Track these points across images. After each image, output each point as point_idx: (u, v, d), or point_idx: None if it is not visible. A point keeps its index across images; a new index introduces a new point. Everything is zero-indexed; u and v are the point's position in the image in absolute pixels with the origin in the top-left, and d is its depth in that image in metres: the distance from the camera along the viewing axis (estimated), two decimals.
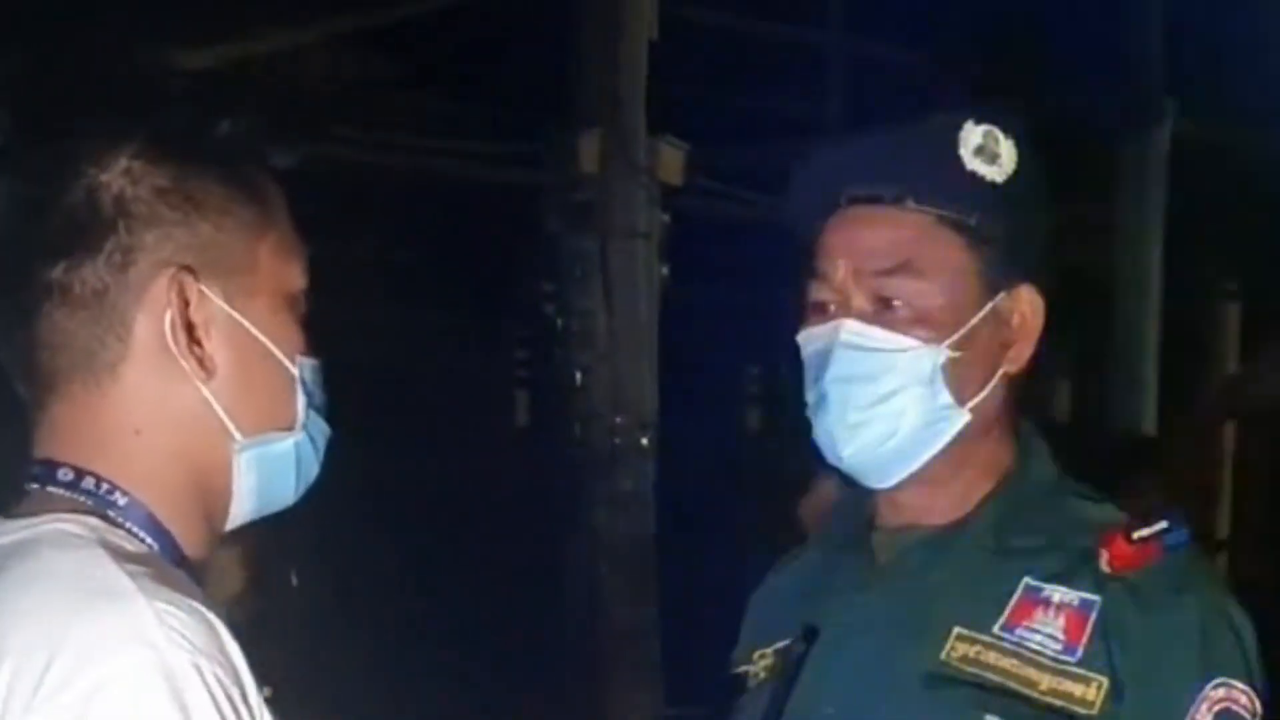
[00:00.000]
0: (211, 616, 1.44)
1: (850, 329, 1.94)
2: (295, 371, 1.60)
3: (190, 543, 1.57)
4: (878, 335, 1.94)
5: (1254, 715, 1.88)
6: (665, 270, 6.67)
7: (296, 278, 1.61)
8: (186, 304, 1.53)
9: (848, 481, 2.23)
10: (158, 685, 1.37)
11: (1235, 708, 1.87)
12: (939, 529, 2.03)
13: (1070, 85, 7.56)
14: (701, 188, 6.95)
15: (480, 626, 7.13)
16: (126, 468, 1.54)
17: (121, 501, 1.53)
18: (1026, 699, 1.88)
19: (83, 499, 1.53)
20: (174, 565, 1.52)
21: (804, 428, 2.05)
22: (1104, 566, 1.92)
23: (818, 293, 1.99)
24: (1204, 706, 1.86)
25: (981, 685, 1.89)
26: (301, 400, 1.61)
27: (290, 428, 1.61)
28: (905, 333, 1.94)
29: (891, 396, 1.95)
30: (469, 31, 7.11)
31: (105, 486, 1.53)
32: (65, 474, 1.54)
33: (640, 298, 6.54)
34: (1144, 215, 8.10)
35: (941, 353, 1.95)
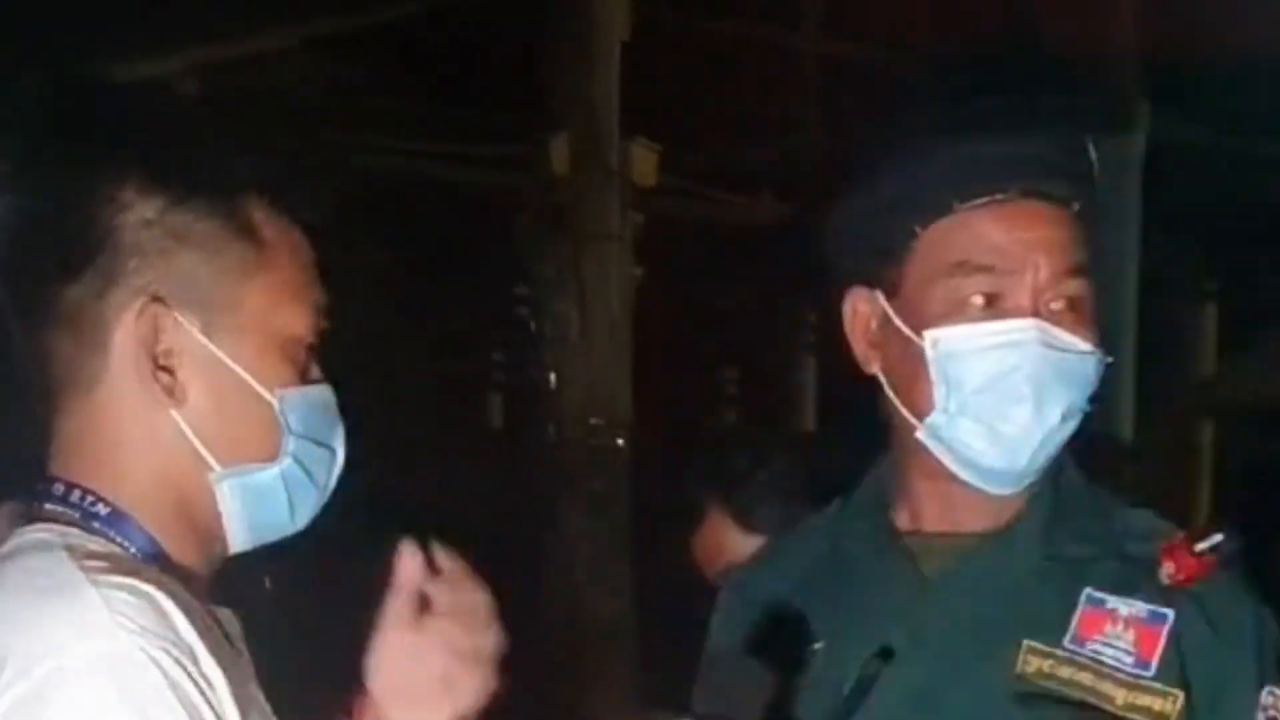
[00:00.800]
0: (160, 596, 1.47)
1: (1050, 331, 1.89)
2: (275, 404, 1.61)
3: (181, 552, 1.61)
4: (1071, 340, 1.90)
5: None
6: (639, 271, 6.66)
7: (294, 322, 1.63)
8: (158, 332, 1.57)
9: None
10: (107, 673, 1.41)
11: (1276, 714, 1.90)
12: (984, 536, 1.99)
13: (1045, 88, 7.56)
14: (675, 189, 6.94)
15: None
16: (111, 480, 1.59)
17: (103, 512, 1.57)
18: (1108, 714, 1.87)
19: (69, 511, 1.58)
20: (158, 568, 1.55)
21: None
22: (1165, 578, 1.91)
23: (974, 286, 1.91)
24: (1260, 716, 1.88)
25: (1064, 700, 1.88)
26: (284, 432, 1.62)
27: (273, 458, 1.63)
28: (1083, 336, 1.91)
29: (1079, 401, 1.92)
30: (442, 35, 7.11)
31: (89, 499, 1.58)
32: (57, 488, 1.59)
33: (613, 299, 6.53)
34: (1120, 218, 8.08)
35: (1105, 358, 1.93)
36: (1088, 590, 1.92)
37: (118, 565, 1.51)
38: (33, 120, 1.63)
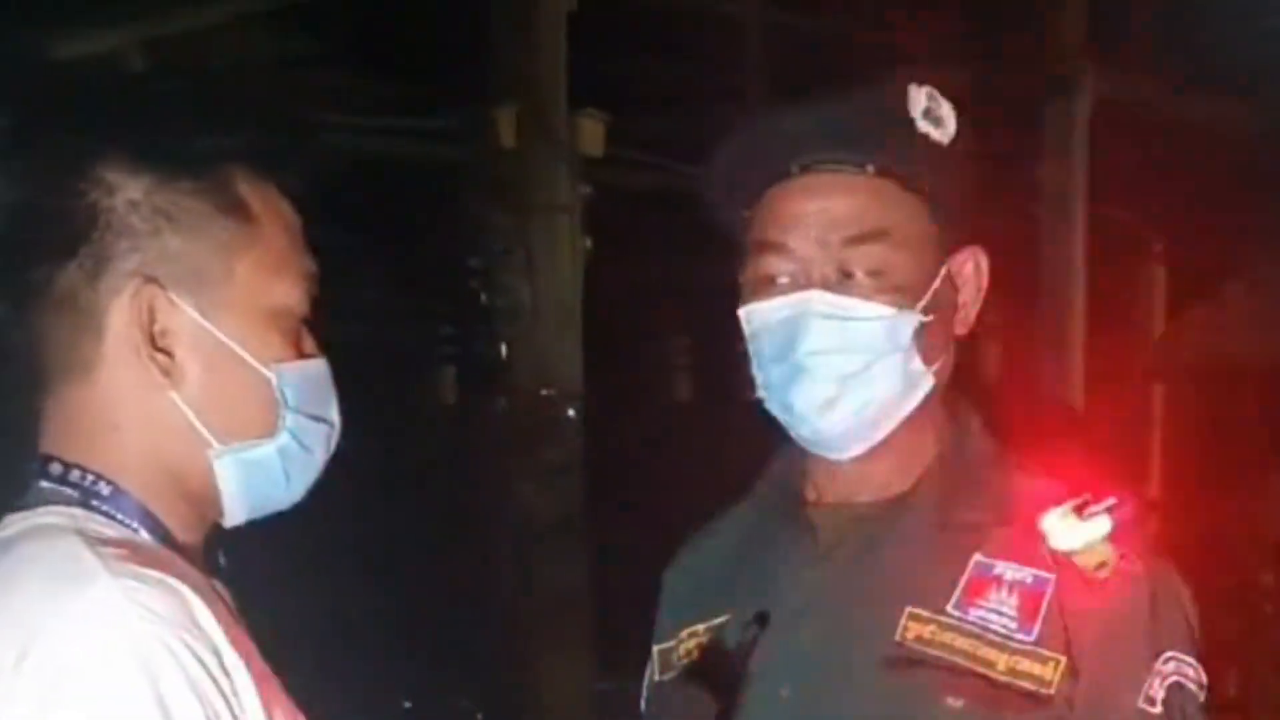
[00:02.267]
0: (182, 588, 1.48)
1: (825, 300, 1.92)
2: (272, 378, 1.63)
3: (182, 529, 1.62)
4: (852, 304, 1.92)
5: (1200, 686, 1.90)
6: (588, 243, 6.64)
7: (284, 294, 1.64)
8: (153, 313, 1.58)
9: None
10: (127, 662, 1.41)
11: (1184, 681, 1.90)
12: (881, 504, 2.02)
13: (989, 49, 7.56)
14: (623, 159, 6.92)
15: (409, 600, 7.11)
16: (111, 460, 1.59)
17: (106, 491, 1.58)
18: (986, 679, 1.88)
19: (70, 491, 1.58)
20: (163, 546, 1.57)
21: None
22: (1052, 544, 1.92)
23: (770, 265, 1.97)
24: (1156, 681, 1.88)
25: (940, 666, 1.89)
26: (281, 406, 1.64)
27: (270, 433, 1.64)
28: (874, 300, 1.92)
29: (870, 365, 1.93)
30: (383, 6, 7.06)
31: (90, 478, 1.58)
32: (55, 468, 1.60)
33: (564, 271, 6.52)
34: (1067, 178, 8.10)
35: (915, 318, 1.94)
36: (977, 556, 1.94)
37: (133, 552, 1.51)
38: (12, 104, 1.64)
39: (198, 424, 1.60)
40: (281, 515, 1.71)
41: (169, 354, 1.59)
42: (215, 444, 1.61)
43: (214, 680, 1.46)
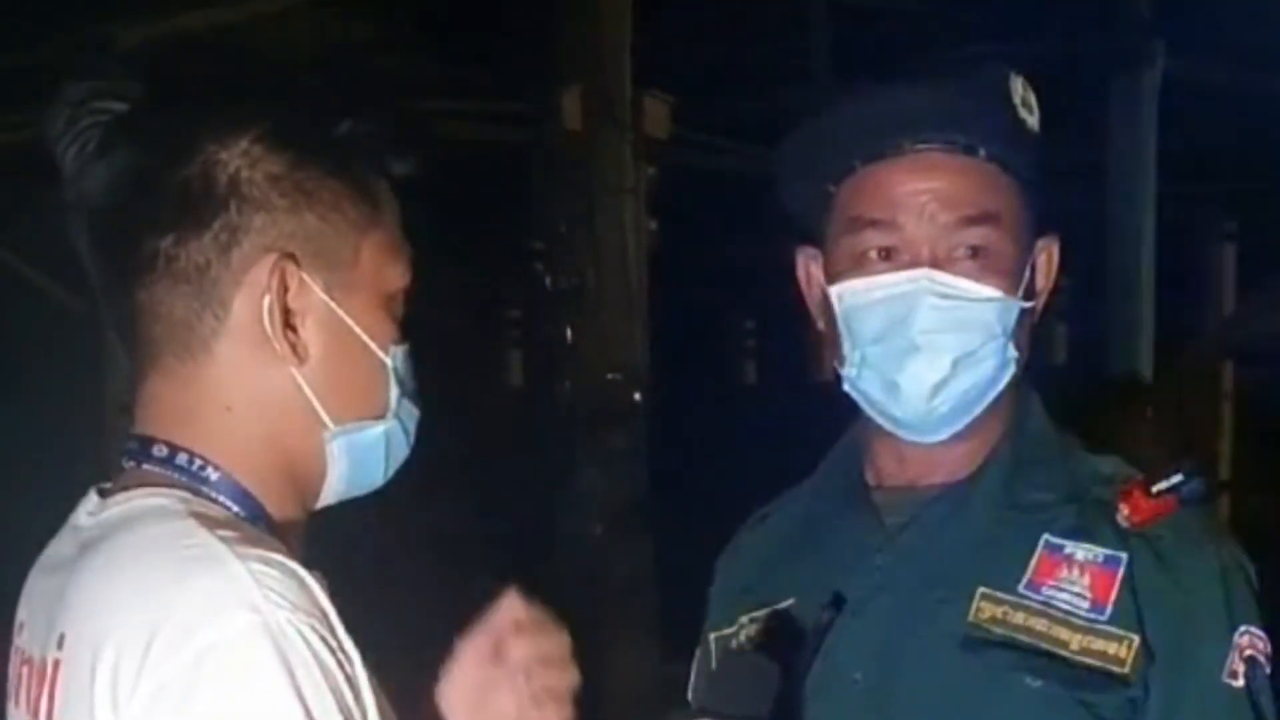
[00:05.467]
0: (304, 573, 1.48)
1: (940, 279, 1.91)
2: (389, 361, 1.63)
3: (281, 513, 1.60)
4: (966, 286, 1.91)
5: (1268, 658, 1.90)
6: (654, 225, 6.63)
7: (397, 278, 1.65)
8: (286, 289, 1.56)
9: None
10: (263, 645, 1.41)
11: (1257, 654, 1.89)
12: (948, 487, 2.01)
13: (1058, 28, 7.51)
14: (689, 140, 6.91)
15: (474, 587, 7.12)
16: (218, 443, 1.58)
17: (214, 476, 1.56)
18: (1062, 659, 1.87)
19: (176, 475, 1.56)
20: (266, 532, 1.55)
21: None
22: (1122, 521, 1.91)
23: (873, 240, 1.95)
24: (1235, 655, 1.87)
25: (1015, 646, 1.88)
26: (394, 390, 1.64)
27: (382, 415, 1.64)
28: (987, 283, 1.92)
29: (982, 347, 1.92)
30: None
31: (198, 462, 1.57)
32: (160, 450, 1.58)
33: (629, 254, 6.51)
34: (1137, 158, 8.04)
35: (1019, 303, 1.94)
36: (1046, 536, 1.93)
37: (251, 537, 1.51)
38: (147, 74, 1.63)
39: (317, 404, 1.59)
40: (352, 501, 1.72)
41: (295, 332, 1.58)
42: (331, 425, 1.61)
43: (340, 666, 1.45)
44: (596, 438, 6.54)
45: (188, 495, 1.54)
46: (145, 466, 1.58)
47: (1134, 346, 8.07)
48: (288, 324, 1.57)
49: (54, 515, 1.67)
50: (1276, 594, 1.96)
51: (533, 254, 7.11)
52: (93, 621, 1.46)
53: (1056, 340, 10.90)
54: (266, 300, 1.56)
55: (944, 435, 1.97)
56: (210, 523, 1.50)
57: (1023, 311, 1.94)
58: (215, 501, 1.55)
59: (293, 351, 1.58)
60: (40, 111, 1.63)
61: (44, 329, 7.16)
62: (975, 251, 1.92)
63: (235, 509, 1.56)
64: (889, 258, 1.93)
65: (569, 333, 6.55)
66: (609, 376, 6.49)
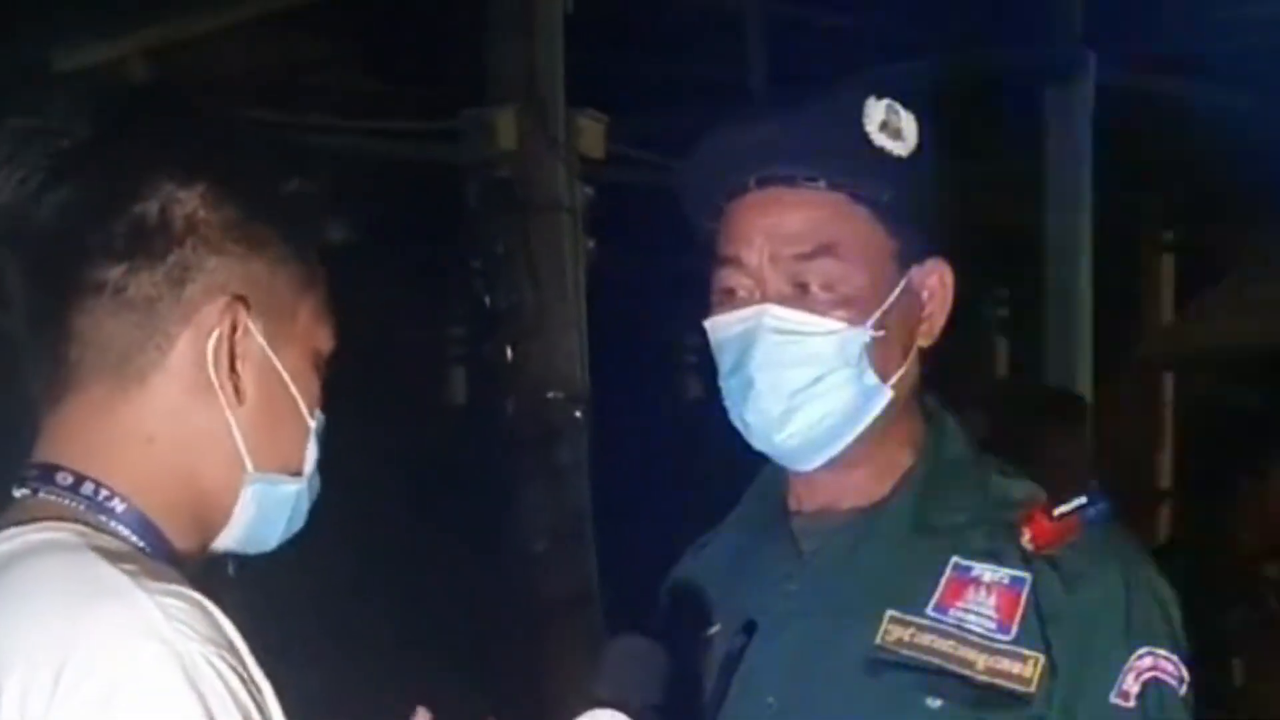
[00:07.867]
0: (210, 605, 1.48)
1: (774, 314, 1.94)
2: (312, 424, 1.67)
3: (182, 547, 1.61)
4: (802, 319, 1.94)
5: (1181, 681, 1.91)
6: (591, 243, 6.63)
7: (326, 340, 1.68)
8: (235, 331, 1.59)
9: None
10: (174, 675, 1.41)
11: (1162, 676, 1.90)
12: (860, 511, 2.04)
13: (990, 40, 7.54)
14: (624, 158, 6.91)
15: (417, 602, 7.11)
16: (131, 473, 1.58)
17: (119, 508, 1.56)
18: (967, 680, 1.89)
19: (77, 504, 1.56)
20: (169, 566, 1.55)
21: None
22: (1026, 544, 1.94)
23: (729, 279, 1.99)
24: (1130, 676, 1.89)
25: (921, 668, 1.91)
26: (312, 453, 1.67)
27: (298, 473, 1.67)
28: (827, 315, 1.94)
29: (821, 380, 1.95)
30: (385, 9, 7.07)
31: (104, 492, 1.56)
32: (64, 478, 1.57)
33: (566, 271, 6.51)
34: (1073, 169, 8.07)
35: (865, 333, 1.95)
36: (955, 559, 1.96)
37: (152, 570, 1.50)
38: (95, 111, 1.63)
39: (243, 447, 1.61)
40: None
41: (237, 374, 1.61)
42: (251, 469, 1.62)
43: (251, 697, 1.46)
44: (539, 455, 6.53)
45: (85, 529, 1.54)
46: (43, 494, 1.57)
47: (1073, 358, 8.10)
48: (232, 366, 1.60)
49: None
50: (1216, 599, 1.97)
51: (472, 272, 7.10)
52: None
53: (999, 354, 10.96)
54: (213, 339, 1.58)
55: (816, 464, 2.01)
56: (112, 556, 1.49)
57: (875, 340, 1.96)
58: (116, 534, 1.55)
59: (235, 392, 1.60)
60: None
61: None
62: (818, 284, 1.94)
63: (138, 541, 1.56)
64: (735, 295, 1.98)
65: (509, 351, 6.55)
66: (549, 394, 6.48)
